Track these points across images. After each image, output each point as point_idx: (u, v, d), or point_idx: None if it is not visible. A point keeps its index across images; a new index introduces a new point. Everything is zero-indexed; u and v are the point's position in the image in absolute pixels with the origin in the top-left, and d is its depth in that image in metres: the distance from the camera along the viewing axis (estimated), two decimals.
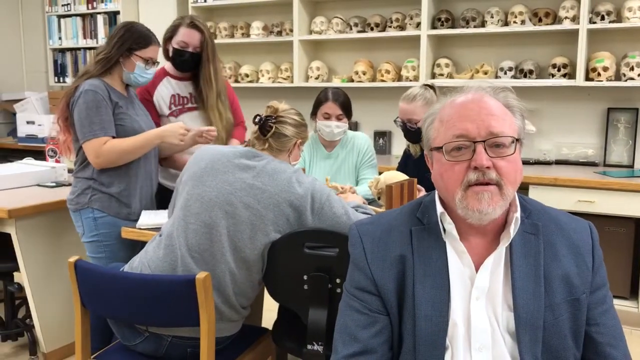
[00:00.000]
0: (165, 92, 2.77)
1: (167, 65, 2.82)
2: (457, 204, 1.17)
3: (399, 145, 4.24)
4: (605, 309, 1.23)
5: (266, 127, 1.95)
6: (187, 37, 2.68)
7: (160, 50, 2.60)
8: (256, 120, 1.97)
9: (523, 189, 3.25)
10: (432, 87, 2.64)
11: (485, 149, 1.15)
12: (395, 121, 2.67)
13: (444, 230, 1.23)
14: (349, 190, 2.43)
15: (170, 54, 2.71)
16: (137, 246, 2.47)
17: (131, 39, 2.40)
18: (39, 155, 3.89)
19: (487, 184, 1.15)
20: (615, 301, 3.27)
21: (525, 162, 3.74)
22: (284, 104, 2.02)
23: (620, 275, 3.27)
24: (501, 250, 1.21)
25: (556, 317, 1.18)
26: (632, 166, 3.66)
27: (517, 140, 1.19)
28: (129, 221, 2.42)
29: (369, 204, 2.38)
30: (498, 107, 1.19)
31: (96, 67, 2.39)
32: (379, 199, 2.39)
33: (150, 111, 2.69)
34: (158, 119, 2.77)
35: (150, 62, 2.45)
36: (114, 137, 2.36)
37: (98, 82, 2.36)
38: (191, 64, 2.73)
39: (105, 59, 2.40)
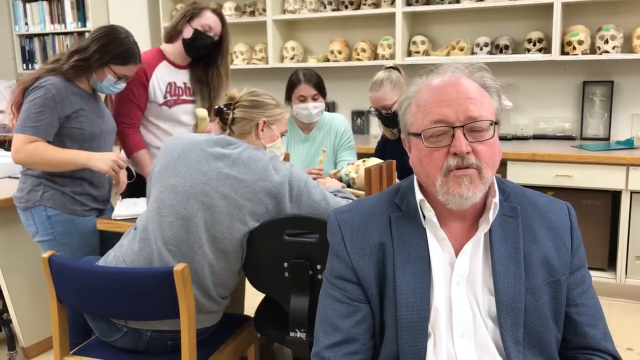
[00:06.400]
0: (162, 77, 2.66)
1: (168, 49, 2.70)
2: (438, 189, 1.15)
3: (377, 124, 4.21)
4: (584, 289, 1.23)
5: (224, 115, 1.94)
6: (213, 22, 2.61)
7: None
8: (216, 112, 1.97)
9: (501, 164, 3.26)
10: (395, 68, 2.62)
11: (464, 134, 1.13)
12: (369, 112, 2.66)
13: (424, 217, 1.22)
14: (332, 175, 2.43)
15: (190, 35, 2.61)
16: (98, 242, 2.42)
17: (113, 52, 2.25)
18: (8, 144, 3.79)
19: (467, 167, 1.13)
20: (593, 273, 3.32)
21: (503, 138, 3.75)
22: (246, 90, 1.99)
23: (598, 248, 3.31)
24: (480, 235, 1.20)
25: (537, 299, 1.17)
26: (608, 139, 3.69)
27: (495, 122, 1.17)
28: (86, 217, 2.35)
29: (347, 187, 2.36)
30: (475, 89, 1.17)
31: (69, 69, 2.24)
32: (349, 185, 2.38)
33: (139, 94, 2.59)
34: (145, 105, 2.65)
35: (123, 78, 2.33)
36: (49, 142, 2.21)
37: (61, 83, 2.22)
38: (206, 50, 2.66)
39: (81, 65, 2.25)
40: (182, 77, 2.72)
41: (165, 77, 2.67)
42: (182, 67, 2.73)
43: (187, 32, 2.62)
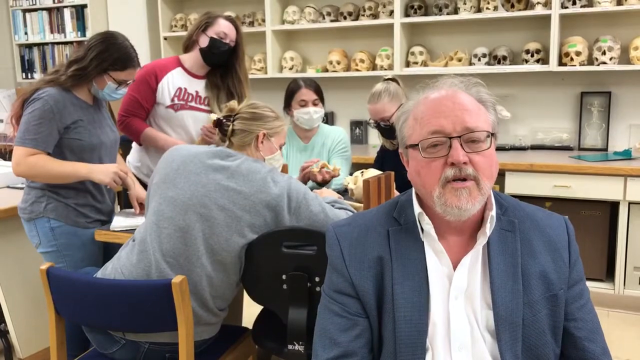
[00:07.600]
0: (173, 82, 2.70)
1: (185, 57, 2.76)
2: (436, 201, 1.16)
3: (376, 134, 4.22)
4: (582, 303, 1.23)
5: (224, 127, 1.96)
6: (227, 28, 2.67)
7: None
8: (215, 123, 1.99)
9: (499, 175, 3.26)
10: (393, 79, 2.64)
11: (461, 145, 1.14)
12: (368, 123, 2.68)
13: (422, 230, 1.22)
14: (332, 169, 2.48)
15: (206, 44, 2.66)
16: (100, 254, 2.41)
17: (110, 59, 2.23)
18: (9, 154, 3.78)
19: (465, 179, 1.14)
20: (592, 284, 3.32)
21: (501, 148, 3.76)
22: (246, 102, 2.02)
23: (596, 258, 3.31)
24: (478, 249, 1.20)
25: (535, 314, 1.18)
26: (605, 149, 3.70)
27: (492, 134, 1.18)
28: (89, 229, 2.33)
29: (342, 196, 2.37)
30: (471, 102, 1.19)
31: (67, 79, 2.22)
32: (344, 193, 2.39)
33: (145, 95, 2.65)
34: (151, 106, 2.70)
35: (124, 84, 2.31)
36: (49, 153, 2.20)
37: (59, 95, 2.20)
38: (223, 58, 2.70)
39: (79, 75, 2.23)
40: (195, 86, 2.76)
41: (177, 82, 2.71)
42: (198, 77, 2.77)
43: (203, 42, 2.67)
